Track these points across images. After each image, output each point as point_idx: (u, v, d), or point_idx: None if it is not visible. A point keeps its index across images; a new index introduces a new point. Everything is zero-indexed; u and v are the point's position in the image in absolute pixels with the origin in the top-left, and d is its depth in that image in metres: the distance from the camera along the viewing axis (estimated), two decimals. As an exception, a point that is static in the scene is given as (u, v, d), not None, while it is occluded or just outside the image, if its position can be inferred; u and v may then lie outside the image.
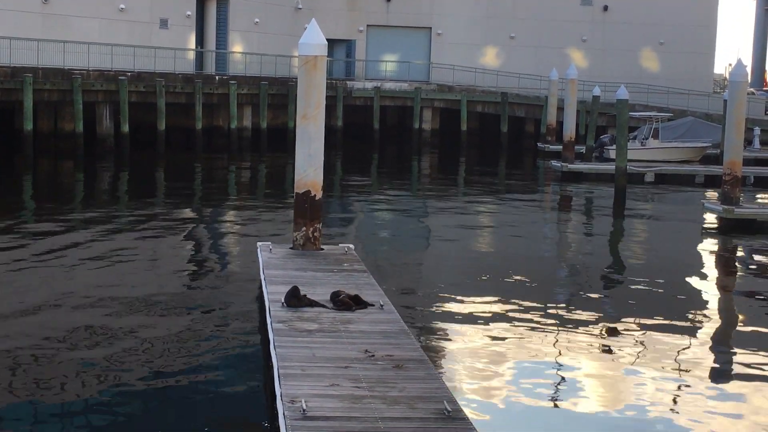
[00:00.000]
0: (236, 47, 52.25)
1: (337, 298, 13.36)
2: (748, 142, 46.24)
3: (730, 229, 25.34)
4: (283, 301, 13.13)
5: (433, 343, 13.95)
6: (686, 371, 13.01)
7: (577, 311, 16.27)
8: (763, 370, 13.30)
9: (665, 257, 22.66)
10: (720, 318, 16.96)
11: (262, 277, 15.14)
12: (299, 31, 45.80)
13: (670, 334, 14.90)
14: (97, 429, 10.44)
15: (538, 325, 15.16)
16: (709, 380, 12.79)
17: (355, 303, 13.28)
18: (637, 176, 37.64)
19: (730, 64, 77.87)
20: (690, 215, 30.08)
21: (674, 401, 11.76)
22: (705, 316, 16.72)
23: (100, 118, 41.41)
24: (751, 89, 61.97)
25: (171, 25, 48.12)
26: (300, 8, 56.16)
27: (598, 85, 50.49)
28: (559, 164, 39.73)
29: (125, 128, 41.29)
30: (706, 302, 18.04)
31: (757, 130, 48.47)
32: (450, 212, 29.39)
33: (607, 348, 14.07)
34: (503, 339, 14.33)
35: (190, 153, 43.71)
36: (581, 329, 15.04)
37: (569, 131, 41.09)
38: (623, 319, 15.71)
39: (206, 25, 50.94)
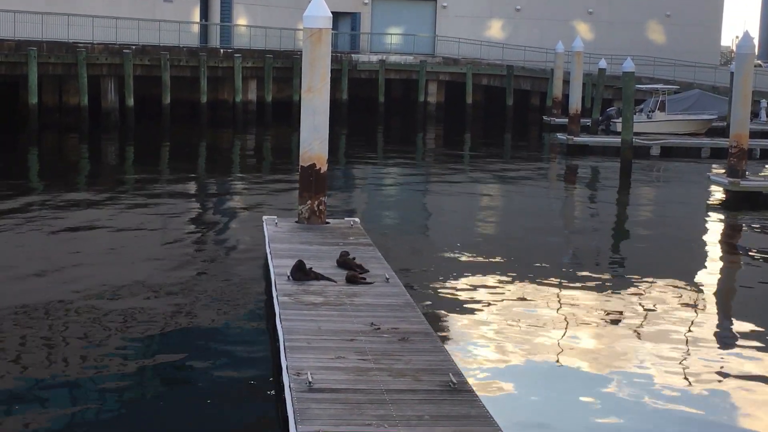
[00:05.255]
0: (241, 20, 52.03)
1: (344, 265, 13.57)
2: (755, 114, 46.10)
3: (735, 202, 25.29)
4: (288, 274, 13.17)
5: (438, 315, 13.98)
6: (691, 341, 13.03)
7: (583, 284, 16.28)
8: (766, 338, 13.36)
9: (671, 230, 22.64)
10: (726, 290, 16.97)
11: (268, 250, 15.17)
12: (304, 3, 45.39)
13: (676, 305, 14.92)
14: (99, 402, 10.49)
15: (544, 298, 15.18)
16: (715, 349, 12.81)
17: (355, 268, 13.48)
18: (643, 149, 37.55)
19: (737, 36, 77.46)
20: (696, 188, 30.04)
21: (681, 373, 11.78)
22: (711, 288, 16.73)
23: (104, 92, 41.35)
24: (758, 61, 61.74)
25: (175, -2, 47.94)
26: (304, -19, 55.89)
27: (604, 58, 50.28)
28: (564, 137, 39.64)
29: (130, 102, 41.25)
30: (712, 275, 18.04)
31: (763, 103, 48.30)
32: (455, 185, 29.36)
33: (613, 320, 14.09)
34: (509, 311, 14.35)
35: (194, 127, 43.67)
36: (587, 301, 15.06)
37: (575, 104, 40.95)
38: (629, 291, 15.74)
39: (210, -2, 50.77)
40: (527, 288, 15.83)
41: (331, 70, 17.38)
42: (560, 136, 40.79)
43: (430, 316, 13.55)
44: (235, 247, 19.08)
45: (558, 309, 14.57)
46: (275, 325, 11.54)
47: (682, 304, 15.13)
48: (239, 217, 22.90)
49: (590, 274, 17.10)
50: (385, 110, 53.17)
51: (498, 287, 15.82)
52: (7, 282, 15.31)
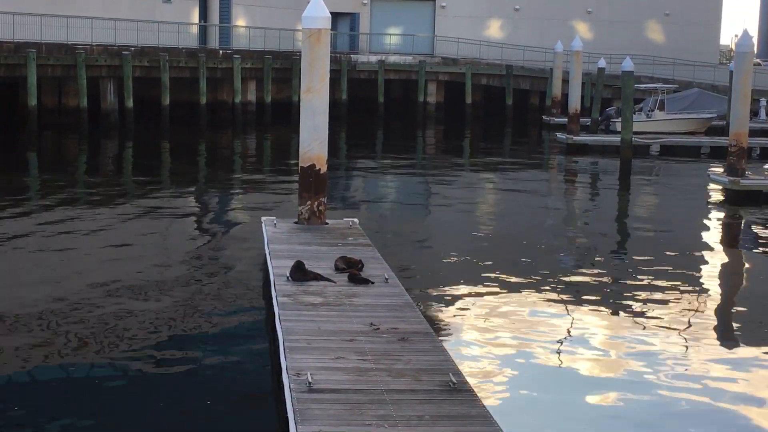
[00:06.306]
0: (240, 21, 52.04)
1: (343, 268, 13.50)
2: (754, 113, 46.09)
3: (735, 201, 25.29)
4: (287, 275, 13.15)
5: (438, 315, 13.97)
6: (692, 341, 13.02)
7: (583, 283, 16.28)
8: (766, 337, 13.35)
9: (671, 229, 22.63)
10: (726, 288, 16.96)
11: (267, 251, 15.15)
12: (303, 4, 45.40)
13: (677, 305, 14.91)
14: (98, 402, 10.48)
15: (544, 297, 15.18)
16: (716, 348, 12.80)
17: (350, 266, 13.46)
18: (642, 148, 37.55)
19: (736, 35, 77.44)
20: (695, 187, 30.02)
21: (682, 373, 11.77)
22: (711, 287, 16.71)
23: (104, 93, 41.38)
24: (758, 60, 61.73)
25: (174, 0, 47.93)
26: (303, -19, 55.86)
27: (603, 57, 50.26)
28: (564, 137, 39.66)
29: (129, 103, 41.26)
30: (712, 274, 18.03)
31: (763, 102, 48.29)
32: (455, 186, 29.35)
33: (613, 320, 14.08)
34: (509, 311, 14.34)
35: (194, 128, 43.66)
36: (587, 301, 15.05)
37: (574, 104, 40.96)
38: (630, 291, 15.73)
39: (209, -1, 50.80)
40: (527, 287, 15.82)
41: (331, 71, 17.36)
42: (560, 135, 40.79)
43: (430, 316, 13.56)
44: (235, 248, 19.06)
45: (558, 309, 14.56)
46: (275, 326, 11.53)
47: (683, 304, 15.11)
48: (238, 218, 22.89)
49: (590, 274, 17.09)
50: (385, 110, 53.16)
51: (497, 287, 15.81)
52: (6, 283, 15.30)
